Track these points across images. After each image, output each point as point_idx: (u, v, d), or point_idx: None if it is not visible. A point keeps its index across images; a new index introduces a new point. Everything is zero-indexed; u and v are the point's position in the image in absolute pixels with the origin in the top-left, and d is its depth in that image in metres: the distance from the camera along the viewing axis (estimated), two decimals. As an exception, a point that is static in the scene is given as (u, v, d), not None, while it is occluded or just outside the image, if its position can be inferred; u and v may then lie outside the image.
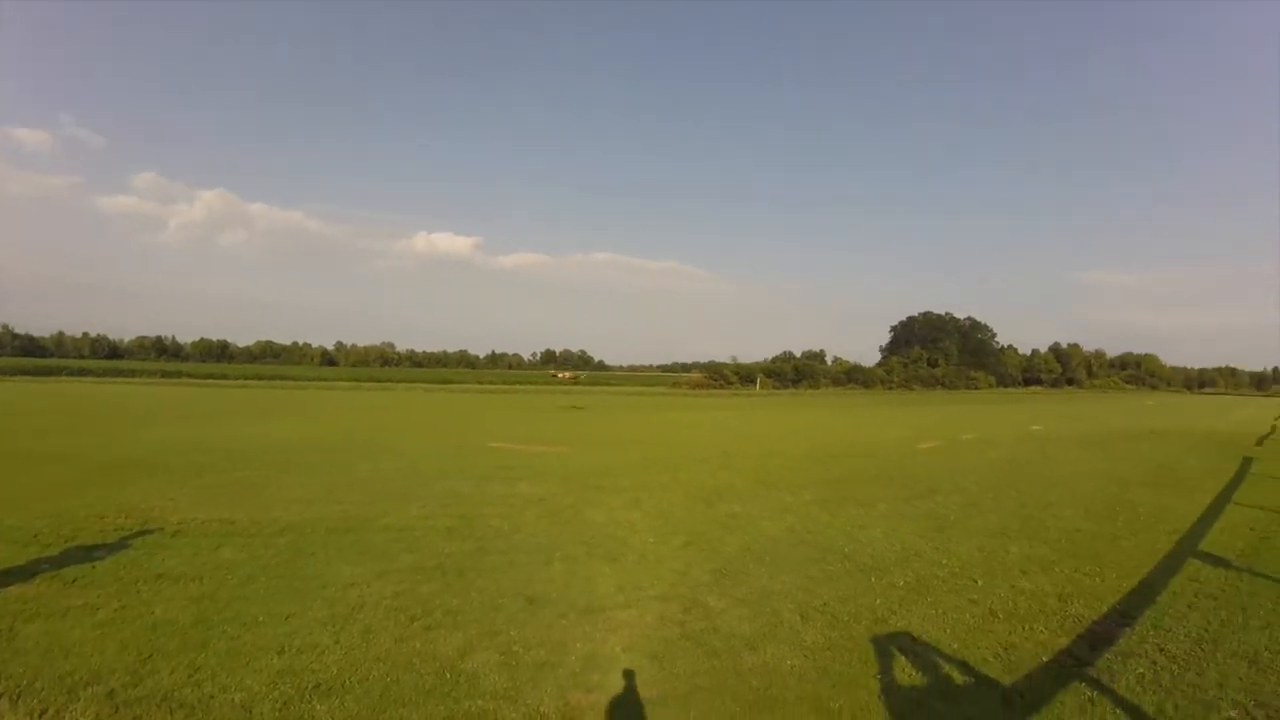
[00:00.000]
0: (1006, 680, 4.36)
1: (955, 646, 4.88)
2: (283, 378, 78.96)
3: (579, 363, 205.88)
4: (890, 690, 4.18)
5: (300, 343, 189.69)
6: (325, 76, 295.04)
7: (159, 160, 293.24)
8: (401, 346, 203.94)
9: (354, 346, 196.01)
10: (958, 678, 4.40)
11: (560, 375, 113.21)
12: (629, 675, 4.27)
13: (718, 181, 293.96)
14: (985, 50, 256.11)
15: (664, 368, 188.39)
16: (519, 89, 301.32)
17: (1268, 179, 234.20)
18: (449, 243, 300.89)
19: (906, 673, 4.44)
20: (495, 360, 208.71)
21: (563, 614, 5.27)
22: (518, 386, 76.33)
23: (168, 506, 8.69)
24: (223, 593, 5.58)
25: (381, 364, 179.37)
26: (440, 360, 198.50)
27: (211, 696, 3.90)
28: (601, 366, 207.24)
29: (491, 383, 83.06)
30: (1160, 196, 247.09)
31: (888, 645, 4.85)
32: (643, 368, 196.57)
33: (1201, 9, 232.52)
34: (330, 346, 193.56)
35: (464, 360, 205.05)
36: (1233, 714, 3.93)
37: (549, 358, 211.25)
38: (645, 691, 4.10)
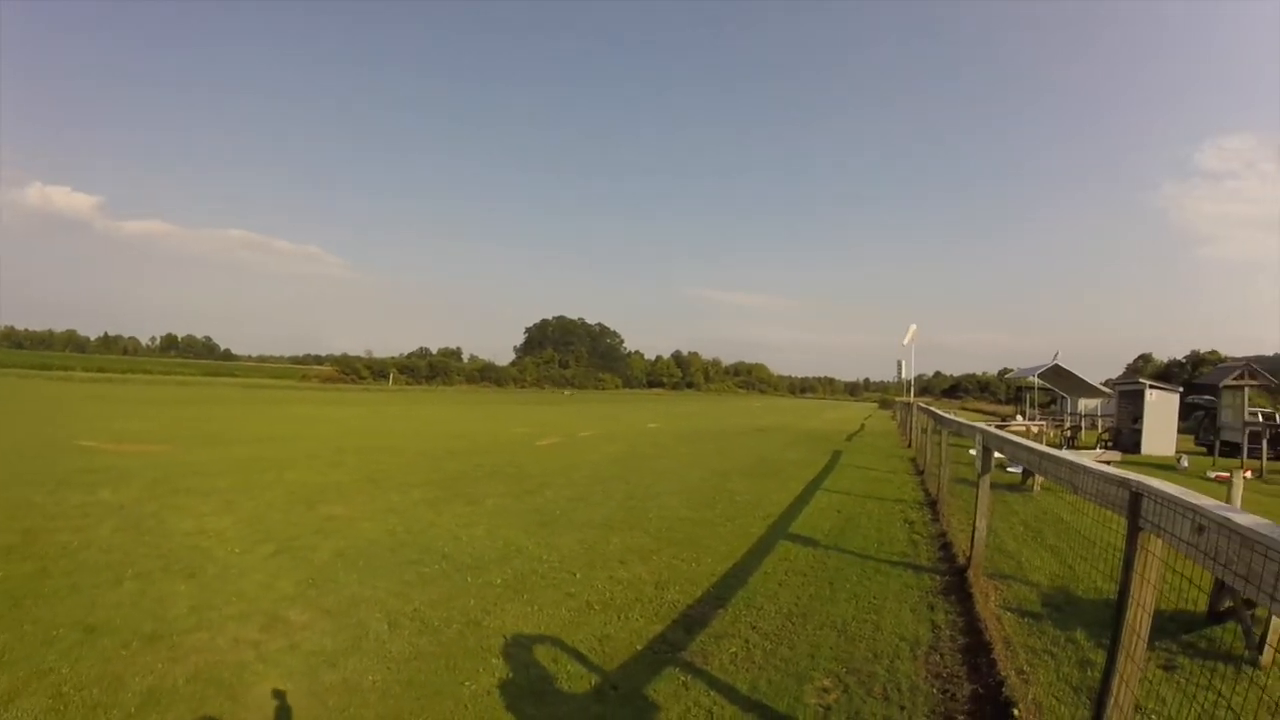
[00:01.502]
0: (600, 673, 4.42)
1: (549, 643, 4.88)
2: None
3: (202, 349, 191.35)
4: (478, 697, 4.02)
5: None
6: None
7: None
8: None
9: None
10: (550, 675, 4.37)
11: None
12: (191, 709, 3.78)
13: (363, 166, 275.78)
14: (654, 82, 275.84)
15: (296, 359, 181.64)
16: (168, 41, 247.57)
17: (856, 231, 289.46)
18: (67, 199, 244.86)
19: (496, 676, 4.31)
20: (108, 343, 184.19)
21: (125, 643, 4.64)
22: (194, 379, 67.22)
23: None
24: None
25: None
26: (44, 340, 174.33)
27: None
28: (227, 355, 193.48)
29: (147, 370, 71.18)
30: (785, 230, 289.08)
31: (478, 649, 4.70)
32: (273, 358, 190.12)
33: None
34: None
35: (72, 341, 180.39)
36: (825, 683, 4.32)
37: (170, 342, 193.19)
38: (207, 728, 3.67)
